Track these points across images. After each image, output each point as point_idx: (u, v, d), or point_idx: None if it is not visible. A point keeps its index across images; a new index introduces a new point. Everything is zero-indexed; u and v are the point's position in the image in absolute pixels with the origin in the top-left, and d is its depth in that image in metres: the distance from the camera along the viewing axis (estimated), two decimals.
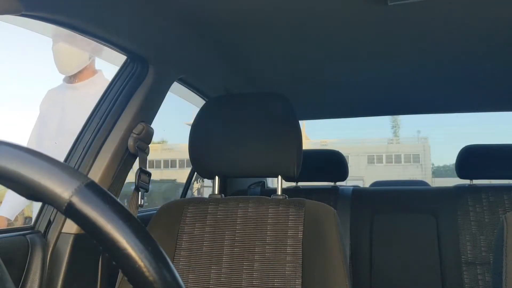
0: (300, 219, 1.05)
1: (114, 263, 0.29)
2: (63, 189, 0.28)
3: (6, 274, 0.38)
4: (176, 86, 1.56)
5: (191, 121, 1.20)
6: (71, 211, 0.28)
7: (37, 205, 1.53)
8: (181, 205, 1.14)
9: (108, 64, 1.36)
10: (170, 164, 22.86)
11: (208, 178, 1.27)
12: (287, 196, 1.13)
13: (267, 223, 1.06)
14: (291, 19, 1.24)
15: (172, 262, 0.38)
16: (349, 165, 2.30)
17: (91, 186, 0.29)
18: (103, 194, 0.29)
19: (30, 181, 0.28)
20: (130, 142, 1.27)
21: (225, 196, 1.17)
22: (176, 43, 1.34)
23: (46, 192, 0.28)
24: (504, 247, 0.90)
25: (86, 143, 1.24)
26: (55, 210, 1.20)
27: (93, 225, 0.28)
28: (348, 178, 2.28)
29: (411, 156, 27.00)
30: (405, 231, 1.91)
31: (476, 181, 1.89)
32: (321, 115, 2.67)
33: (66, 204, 0.28)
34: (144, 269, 0.28)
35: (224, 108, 1.20)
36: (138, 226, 0.29)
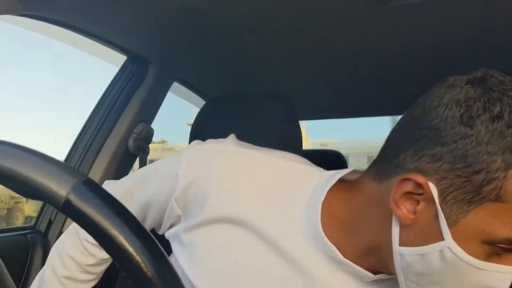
0: None
1: (112, 259, 0.29)
2: (59, 186, 0.28)
3: (6, 274, 0.38)
4: (176, 86, 1.56)
5: (191, 121, 1.20)
6: (68, 208, 0.28)
7: None
8: None
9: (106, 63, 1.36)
10: None
11: None
12: None
13: None
14: (291, 19, 1.23)
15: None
16: (349, 165, 2.29)
17: (88, 183, 0.29)
18: (100, 191, 0.29)
19: (26, 179, 0.29)
20: (130, 142, 1.27)
21: None
22: (176, 43, 1.34)
23: (43, 190, 0.29)
24: None
25: (86, 143, 1.24)
26: (55, 210, 1.21)
27: (91, 222, 0.28)
28: None
29: None
30: None
31: None
32: (321, 115, 2.67)
33: (63, 202, 0.28)
34: (142, 265, 0.28)
35: (224, 108, 1.20)
36: (136, 223, 0.29)
